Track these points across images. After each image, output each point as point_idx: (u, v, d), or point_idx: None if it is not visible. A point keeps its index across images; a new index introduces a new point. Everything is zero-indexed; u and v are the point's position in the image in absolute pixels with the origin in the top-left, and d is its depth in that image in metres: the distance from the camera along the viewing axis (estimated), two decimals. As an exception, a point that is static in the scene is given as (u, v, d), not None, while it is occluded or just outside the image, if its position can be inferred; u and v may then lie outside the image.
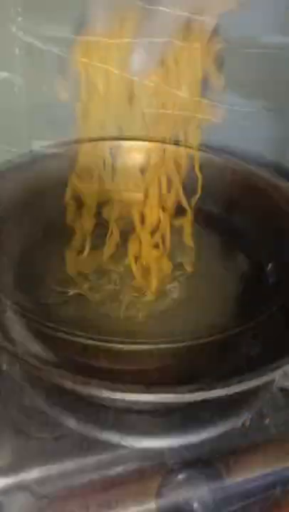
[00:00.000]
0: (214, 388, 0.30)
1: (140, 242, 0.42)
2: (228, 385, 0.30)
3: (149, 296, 0.42)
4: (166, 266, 0.43)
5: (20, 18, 0.43)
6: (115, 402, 0.34)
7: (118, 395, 0.29)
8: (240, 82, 0.50)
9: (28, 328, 0.36)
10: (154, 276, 0.42)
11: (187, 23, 0.34)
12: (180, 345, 0.33)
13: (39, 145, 0.51)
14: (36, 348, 0.36)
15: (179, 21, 0.33)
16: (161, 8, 0.32)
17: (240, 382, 0.30)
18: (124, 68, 0.35)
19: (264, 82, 0.54)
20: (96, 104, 0.39)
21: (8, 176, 0.46)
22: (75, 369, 0.30)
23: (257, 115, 0.53)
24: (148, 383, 0.30)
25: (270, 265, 0.43)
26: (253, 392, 0.37)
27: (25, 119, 0.49)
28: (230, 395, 0.36)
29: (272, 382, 0.38)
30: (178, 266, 0.45)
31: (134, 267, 0.42)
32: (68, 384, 0.30)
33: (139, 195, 0.43)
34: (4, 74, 0.46)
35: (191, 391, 0.29)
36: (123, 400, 0.30)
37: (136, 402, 0.33)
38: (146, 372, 0.34)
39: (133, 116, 0.39)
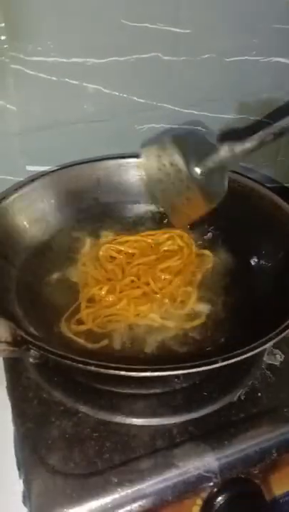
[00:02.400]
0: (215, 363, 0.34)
1: None
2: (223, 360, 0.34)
3: None
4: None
5: (5, 46, 0.46)
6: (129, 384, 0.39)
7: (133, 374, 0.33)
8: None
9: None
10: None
11: None
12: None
13: (34, 171, 0.56)
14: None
15: None
16: None
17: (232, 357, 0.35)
18: None
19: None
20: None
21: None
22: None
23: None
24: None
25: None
26: (245, 370, 0.42)
27: (19, 145, 0.53)
28: (226, 375, 0.41)
29: (260, 360, 0.43)
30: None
31: None
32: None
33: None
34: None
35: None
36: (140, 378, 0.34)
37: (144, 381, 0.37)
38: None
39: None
